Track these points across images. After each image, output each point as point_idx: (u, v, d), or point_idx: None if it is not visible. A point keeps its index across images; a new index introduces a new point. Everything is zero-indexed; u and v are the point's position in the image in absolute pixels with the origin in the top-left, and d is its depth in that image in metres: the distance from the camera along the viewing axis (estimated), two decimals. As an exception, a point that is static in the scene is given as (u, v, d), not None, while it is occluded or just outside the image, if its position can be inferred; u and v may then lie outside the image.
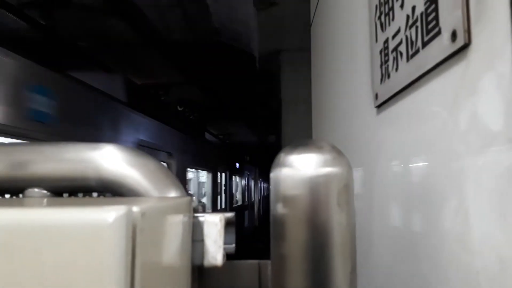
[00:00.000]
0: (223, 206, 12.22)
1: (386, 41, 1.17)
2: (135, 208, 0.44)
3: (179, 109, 8.96)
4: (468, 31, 0.69)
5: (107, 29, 5.26)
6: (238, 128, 13.52)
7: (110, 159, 0.79)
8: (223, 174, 12.16)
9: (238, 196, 16.22)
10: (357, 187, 1.60)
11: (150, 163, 0.83)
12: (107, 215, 0.42)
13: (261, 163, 20.75)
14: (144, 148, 5.02)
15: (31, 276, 0.40)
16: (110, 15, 4.87)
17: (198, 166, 8.88)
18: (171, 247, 0.61)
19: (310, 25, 3.44)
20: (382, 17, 1.21)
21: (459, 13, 0.71)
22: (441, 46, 0.79)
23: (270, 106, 7.90)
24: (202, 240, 0.74)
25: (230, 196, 13.33)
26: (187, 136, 7.68)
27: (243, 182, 17.35)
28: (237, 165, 15.18)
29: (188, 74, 7.39)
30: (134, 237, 0.44)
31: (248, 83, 7.56)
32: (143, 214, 0.45)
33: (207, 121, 11.46)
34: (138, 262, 0.44)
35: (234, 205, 14.34)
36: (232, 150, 14.77)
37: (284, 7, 4.19)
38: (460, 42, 0.71)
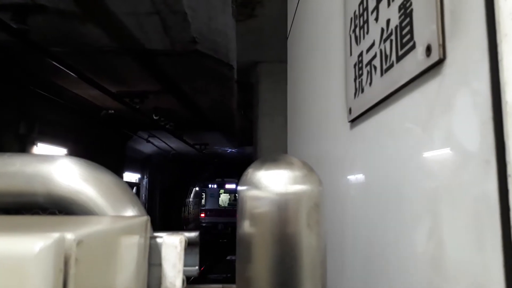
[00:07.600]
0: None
1: (361, 54, 1.14)
2: (69, 236, 0.39)
3: (154, 117, 8.82)
4: (443, 46, 0.66)
5: (82, 35, 5.14)
6: (215, 139, 13.41)
7: (62, 173, 0.72)
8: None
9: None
10: (329, 206, 1.56)
11: (107, 178, 0.77)
12: (33, 245, 0.35)
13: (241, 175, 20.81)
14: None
15: None
16: (86, 21, 4.76)
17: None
18: (121, 273, 0.55)
19: (287, 38, 3.44)
20: (357, 30, 1.18)
21: (433, 27, 0.68)
22: (416, 61, 0.76)
23: (248, 118, 7.85)
24: (159, 264, 0.68)
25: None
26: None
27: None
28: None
29: (164, 83, 7.29)
30: (67, 269, 0.38)
31: (225, 93, 7.51)
32: (79, 242, 0.39)
33: (184, 130, 11.33)
34: (70, 299, 0.38)
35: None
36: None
37: (263, 19, 4.17)
38: (435, 57, 0.68)
